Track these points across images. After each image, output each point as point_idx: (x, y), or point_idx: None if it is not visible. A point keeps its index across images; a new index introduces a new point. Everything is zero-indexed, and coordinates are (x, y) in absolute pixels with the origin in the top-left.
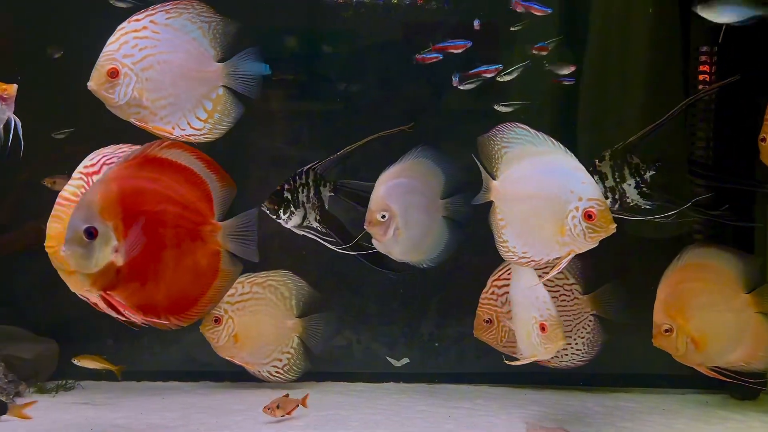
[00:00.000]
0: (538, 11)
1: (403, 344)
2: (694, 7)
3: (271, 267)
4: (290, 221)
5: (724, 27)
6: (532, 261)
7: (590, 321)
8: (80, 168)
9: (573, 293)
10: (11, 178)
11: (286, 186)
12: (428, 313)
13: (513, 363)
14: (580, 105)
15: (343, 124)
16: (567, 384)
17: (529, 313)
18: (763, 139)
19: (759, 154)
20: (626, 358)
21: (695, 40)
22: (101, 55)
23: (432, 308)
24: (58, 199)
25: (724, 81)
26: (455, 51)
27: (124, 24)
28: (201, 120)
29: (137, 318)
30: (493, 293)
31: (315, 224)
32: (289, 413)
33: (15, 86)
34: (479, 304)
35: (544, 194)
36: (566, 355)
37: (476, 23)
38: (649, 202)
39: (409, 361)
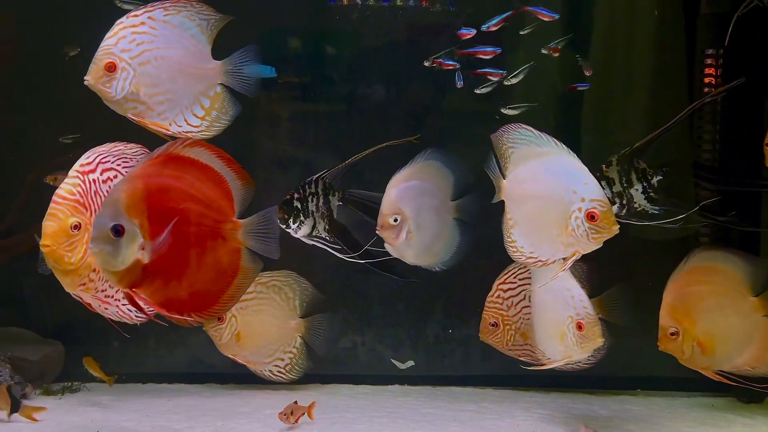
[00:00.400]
0: (545, 17)
1: (408, 347)
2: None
3: (276, 268)
4: (299, 231)
5: (729, 29)
6: (540, 261)
7: None
8: (76, 166)
9: None
10: (19, 181)
11: (296, 195)
12: (433, 316)
13: (540, 368)
14: (584, 108)
15: (348, 126)
16: (573, 387)
17: (564, 314)
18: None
19: (764, 158)
20: (632, 361)
21: (701, 42)
22: (99, 49)
23: (437, 310)
24: (54, 198)
25: (730, 84)
26: (485, 57)
27: (122, 19)
28: (198, 117)
29: (166, 314)
30: (498, 297)
31: (324, 234)
32: (297, 420)
33: None
34: (485, 308)
35: (549, 195)
36: None
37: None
38: (657, 207)
39: (414, 363)
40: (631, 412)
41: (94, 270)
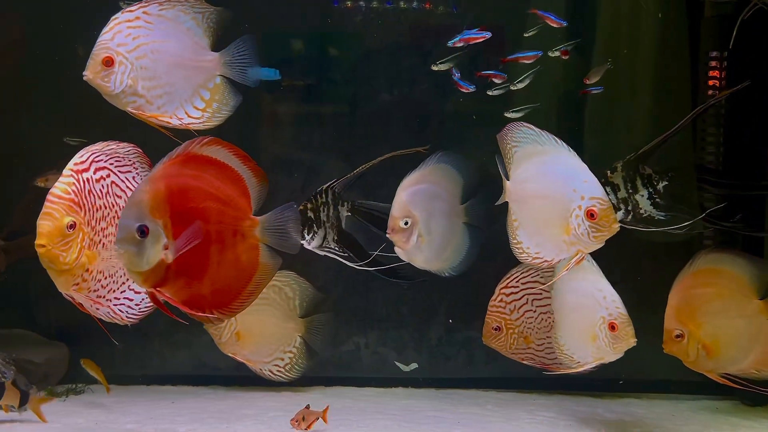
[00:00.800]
0: (554, 23)
1: (412, 349)
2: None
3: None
4: (313, 242)
5: (734, 32)
6: (545, 261)
7: None
8: (70, 165)
9: None
10: (24, 183)
11: (309, 205)
12: (437, 318)
13: (569, 371)
14: (588, 111)
15: (352, 128)
16: (577, 389)
17: (595, 315)
18: None
19: None
20: (636, 363)
21: (704, 45)
22: (96, 44)
23: (441, 313)
24: (48, 197)
25: (735, 87)
26: (526, 62)
27: (117, 15)
28: (199, 109)
29: (188, 312)
30: (501, 301)
31: (332, 244)
32: (309, 426)
33: None
34: (488, 312)
35: (550, 194)
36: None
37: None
38: (663, 213)
39: (417, 366)
40: (635, 415)
41: (87, 270)
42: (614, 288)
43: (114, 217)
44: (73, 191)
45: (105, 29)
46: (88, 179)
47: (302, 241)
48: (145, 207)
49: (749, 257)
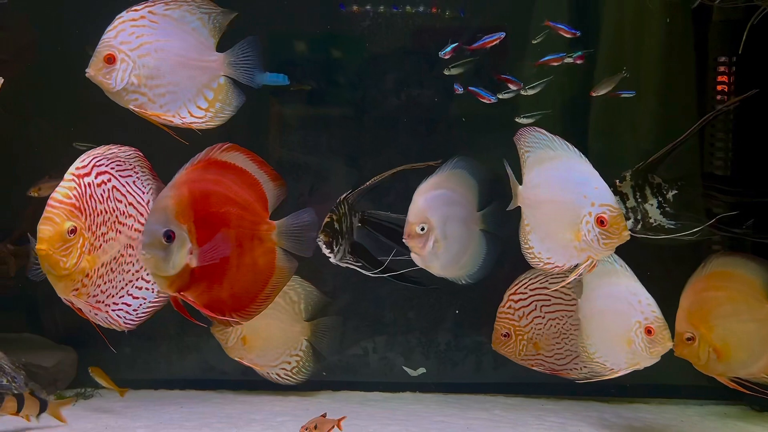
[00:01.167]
0: (567, 33)
1: (420, 354)
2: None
3: None
4: (338, 254)
5: (744, 37)
6: (556, 267)
7: None
8: (72, 170)
9: None
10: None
11: (335, 216)
12: (445, 323)
13: (602, 378)
14: (593, 116)
15: (359, 133)
16: (585, 394)
17: (631, 319)
18: None
19: None
20: (644, 368)
21: (713, 50)
22: (99, 42)
23: (448, 318)
24: (49, 202)
25: (744, 95)
26: (554, 64)
27: (122, 14)
28: (202, 109)
29: (210, 315)
30: (510, 307)
31: (347, 255)
32: None
33: (1, 80)
34: (497, 318)
35: (561, 200)
36: (585, 367)
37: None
38: (672, 222)
39: (425, 370)
40: (644, 420)
41: (87, 275)
42: None
43: (115, 221)
44: (74, 196)
45: (109, 27)
46: (89, 184)
47: (329, 256)
48: (170, 212)
49: (761, 261)
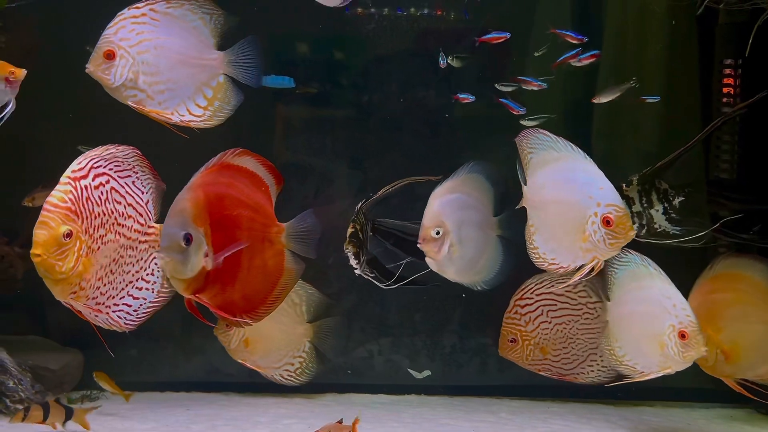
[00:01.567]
0: (574, 39)
1: (425, 356)
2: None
3: None
4: (362, 265)
5: (750, 40)
6: (561, 267)
7: None
8: (68, 173)
9: (596, 311)
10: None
11: (357, 226)
12: (450, 326)
13: (633, 380)
14: (596, 120)
15: (365, 135)
16: (590, 397)
17: (664, 323)
18: None
19: None
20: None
21: (719, 53)
22: (100, 38)
23: (454, 320)
24: (45, 205)
25: (752, 99)
26: (571, 61)
27: (124, 11)
28: (201, 107)
29: (222, 316)
30: (516, 312)
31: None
32: None
33: (24, 71)
34: (503, 324)
35: (566, 200)
36: (592, 371)
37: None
38: (677, 228)
39: (430, 373)
40: (649, 423)
41: (85, 278)
42: None
43: (113, 223)
44: (70, 199)
45: (110, 24)
46: (86, 186)
47: (355, 267)
48: (188, 215)
49: None
